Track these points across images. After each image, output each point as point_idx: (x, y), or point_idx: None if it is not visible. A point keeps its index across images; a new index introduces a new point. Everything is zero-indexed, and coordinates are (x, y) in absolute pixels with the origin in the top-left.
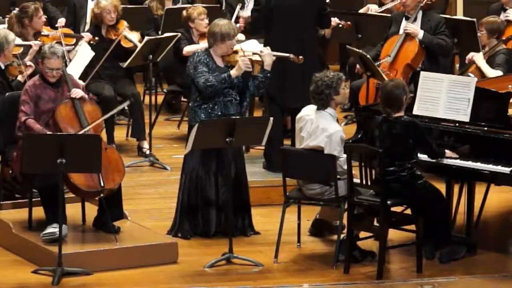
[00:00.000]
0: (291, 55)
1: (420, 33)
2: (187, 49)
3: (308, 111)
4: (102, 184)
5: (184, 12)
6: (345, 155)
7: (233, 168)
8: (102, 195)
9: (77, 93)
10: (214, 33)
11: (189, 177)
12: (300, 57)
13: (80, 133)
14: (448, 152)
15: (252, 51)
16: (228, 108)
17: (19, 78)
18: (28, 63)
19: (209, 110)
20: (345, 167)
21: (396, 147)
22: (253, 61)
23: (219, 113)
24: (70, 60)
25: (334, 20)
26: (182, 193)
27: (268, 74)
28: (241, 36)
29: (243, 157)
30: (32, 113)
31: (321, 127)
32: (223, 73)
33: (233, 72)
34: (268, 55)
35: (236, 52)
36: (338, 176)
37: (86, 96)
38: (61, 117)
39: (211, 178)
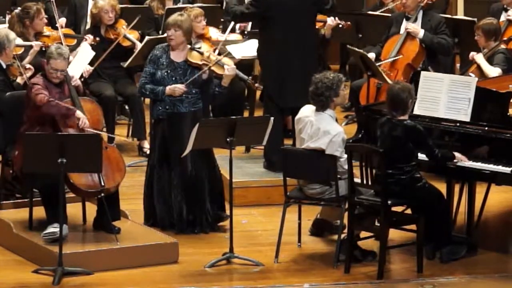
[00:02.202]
0: (249, 79)
1: (421, 32)
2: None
3: (307, 112)
4: (102, 184)
5: None
6: (346, 155)
7: (190, 164)
8: (102, 194)
9: (75, 80)
10: None
11: (151, 168)
12: (256, 84)
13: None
14: (458, 156)
15: (216, 59)
16: (176, 106)
17: (19, 80)
18: (27, 65)
19: (158, 108)
20: (346, 167)
21: (396, 149)
22: (212, 69)
23: (169, 110)
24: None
25: (334, 20)
26: (147, 182)
27: (224, 91)
28: (236, 36)
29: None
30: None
31: (323, 130)
32: (176, 69)
33: (167, 91)
34: (228, 77)
35: (201, 53)
36: (339, 176)
37: (80, 84)
38: None
39: (169, 171)
